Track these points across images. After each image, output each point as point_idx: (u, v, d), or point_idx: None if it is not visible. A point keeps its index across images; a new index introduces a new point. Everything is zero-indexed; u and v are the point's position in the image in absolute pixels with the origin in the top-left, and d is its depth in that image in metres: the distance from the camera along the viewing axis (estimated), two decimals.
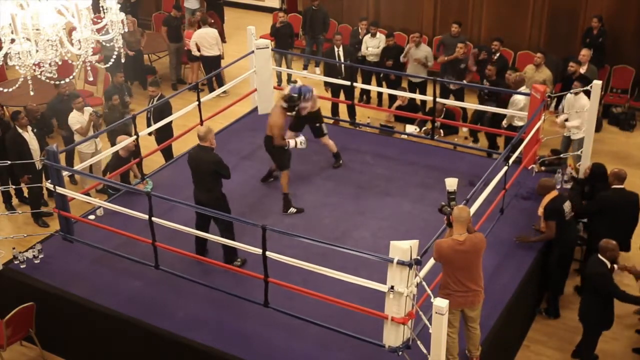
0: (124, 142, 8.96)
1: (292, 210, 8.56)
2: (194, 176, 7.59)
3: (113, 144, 10.02)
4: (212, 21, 13.86)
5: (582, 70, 11.01)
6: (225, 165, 7.53)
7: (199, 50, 13.03)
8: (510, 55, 13.06)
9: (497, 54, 11.70)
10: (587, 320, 7.16)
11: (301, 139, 8.77)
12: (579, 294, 8.20)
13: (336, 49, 11.76)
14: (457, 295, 6.12)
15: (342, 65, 11.46)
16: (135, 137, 8.97)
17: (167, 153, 10.38)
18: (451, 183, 6.66)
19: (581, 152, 9.23)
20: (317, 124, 9.28)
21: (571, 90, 9.59)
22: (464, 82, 11.63)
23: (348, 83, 10.82)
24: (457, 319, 6.28)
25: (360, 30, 12.88)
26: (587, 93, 9.54)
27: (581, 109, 9.37)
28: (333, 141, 9.49)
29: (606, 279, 6.86)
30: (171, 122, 9.94)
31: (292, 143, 8.66)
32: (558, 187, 8.83)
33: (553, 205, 7.67)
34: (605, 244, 6.94)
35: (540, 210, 7.76)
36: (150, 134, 9.89)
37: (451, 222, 6.18)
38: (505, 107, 10.01)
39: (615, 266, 7.00)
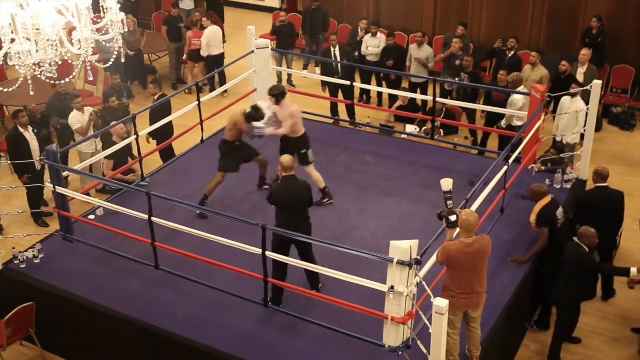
0: (120, 136, 9.00)
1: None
2: (288, 210, 6.97)
3: (105, 144, 10.02)
4: (214, 20, 13.86)
5: (583, 70, 11.02)
6: None
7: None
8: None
9: (512, 52, 11.73)
10: (568, 301, 7.24)
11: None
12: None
13: (332, 49, 11.77)
14: (462, 297, 6.13)
15: (339, 65, 11.46)
16: (135, 136, 8.98)
17: (168, 153, 10.37)
18: (446, 184, 6.64)
19: (581, 152, 9.23)
20: (303, 151, 8.61)
21: (569, 92, 9.57)
22: (458, 80, 11.62)
23: (345, 82, 10.82)
24: (460, 320, 6.28)
25: (360, 31, 12.88)
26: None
27: (575, 111, 9.37)
28: (319, 173, 8.73)
29: (590, 259, 7.03)
30: (171, 122, 9.94)
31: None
32: (558, 187, 8.85)
33: (546, 211, 7.57)
34: (584, 231, 7.03)
35: (533, 218, 7.66)
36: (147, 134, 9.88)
37: (456, 225, 6.15)
38: (490, 105, 10.07)
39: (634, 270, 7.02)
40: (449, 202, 6.47)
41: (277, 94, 8.53)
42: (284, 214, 6.97)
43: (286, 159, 7.14)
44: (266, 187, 8.90)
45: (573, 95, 9.47)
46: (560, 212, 7.64)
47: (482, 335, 6.57)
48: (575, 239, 7.14)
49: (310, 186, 7.20)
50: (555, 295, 7.38)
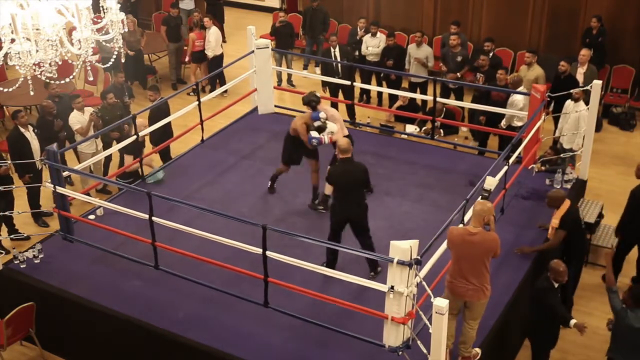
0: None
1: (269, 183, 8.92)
2: (343, 191, 7.31)
3: (107, 143, 10.00)
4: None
5: (582, 70, 11.01)
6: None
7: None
8: (510, 55, 13.08)
9: (491, 54, 11.69)
10: (535, 337, 7.07)
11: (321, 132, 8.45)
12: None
13: (332, 50, 11.77)
14: (457, 284, 6.22)
15: (339, 66, 11.46)
16: (135, 136, 8.99)
17: (165, 154, 10.37)
18: (490, 182, 6.92)
19: (581, 151, 9.23)
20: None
21: (571, 92, 9.56)
22: (459, 74, 11.61)
23: (346, 82, 10.82)
24: (456, 307, 6.34)
25: (358, 30, 12.89)
26: (570, 96, 9.56)
27: (577, 116, 9.38)
28: None
29: (549, 294, 6.72)
30: (169, 124, 9.94)
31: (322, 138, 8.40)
32: (558, 187, 8.85)
33: (571, 215, 7.55)
34: (554, 265, 6.72)
35: (556, 222, 7.56)
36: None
37: None
38: (490, 104, 10.07)
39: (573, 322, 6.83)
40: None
41: (311, 101, 8.43)
42: (340, 194, 7.31)
43: (343, 141, 7.41)
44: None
45: (576, 100, 9.45)
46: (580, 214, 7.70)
47: (482, 335, 6.58)
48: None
49: (366, 169, 7.44)
50: (528, 330, 7.26)
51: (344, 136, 8.25)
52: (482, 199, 6.70)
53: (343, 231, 7.41)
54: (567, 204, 7.57)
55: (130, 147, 9.06)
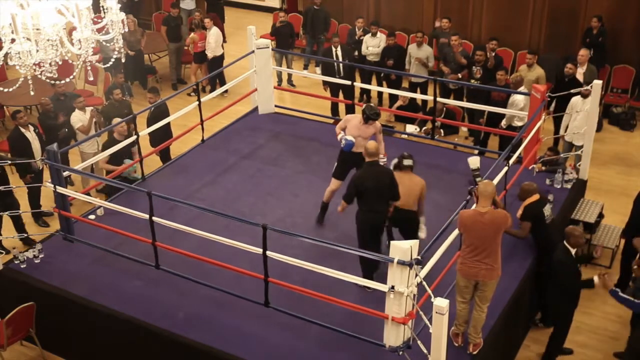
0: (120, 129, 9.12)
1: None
2: (371, 195, 7.03)
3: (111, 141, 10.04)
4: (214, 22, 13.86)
5: (582, 70, 10.99)
6: None
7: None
8: (510, 55, 13.08)
9: (493, 53, 11.67)
10: (557, 311, 7.14)
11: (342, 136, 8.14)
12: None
13: (334, 49, 11.77)
14: (470, 264, 6.26)
15: (340, 65, 11.46)
16: (136, 136, 8.97)
17: (165, 155, 10.37)
18: (474, 162, 6.93)
19: (581, 152, 9.23)
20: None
21: (581, 90, 9.55)
22: (460, 75, 11.61)
23: (347, 82, 10.82)
24: (469, 292, 6.39)
25: (357, 29, 12.89)
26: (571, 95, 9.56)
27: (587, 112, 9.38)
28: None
29: (564, 267, 6.92)
30: (169, 125, 9.95)
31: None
32: (558, 187, 8.86)
33: (531, 207, 7.57)
34: (570, 231, 7.00)
35: (519, 212, 7.64)
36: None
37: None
38: (490, 104, 10.08)
39: (596, 278, 7.07)
40: (478, 179, 6.60)
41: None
42: (369, 199, 7.05)
43: (371, 144, 7.20)
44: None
45: (585, 96, 9.45)
46: (547, 209, 7.64)
47: (482, 335, 6.57)
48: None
49: (392, 172, 7.25)
50: (546, 303, 7.36)
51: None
52: (475, 178, 6.78)
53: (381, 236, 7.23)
54: (533, 197, 7.59)
55: (106, 146, 9.03)
